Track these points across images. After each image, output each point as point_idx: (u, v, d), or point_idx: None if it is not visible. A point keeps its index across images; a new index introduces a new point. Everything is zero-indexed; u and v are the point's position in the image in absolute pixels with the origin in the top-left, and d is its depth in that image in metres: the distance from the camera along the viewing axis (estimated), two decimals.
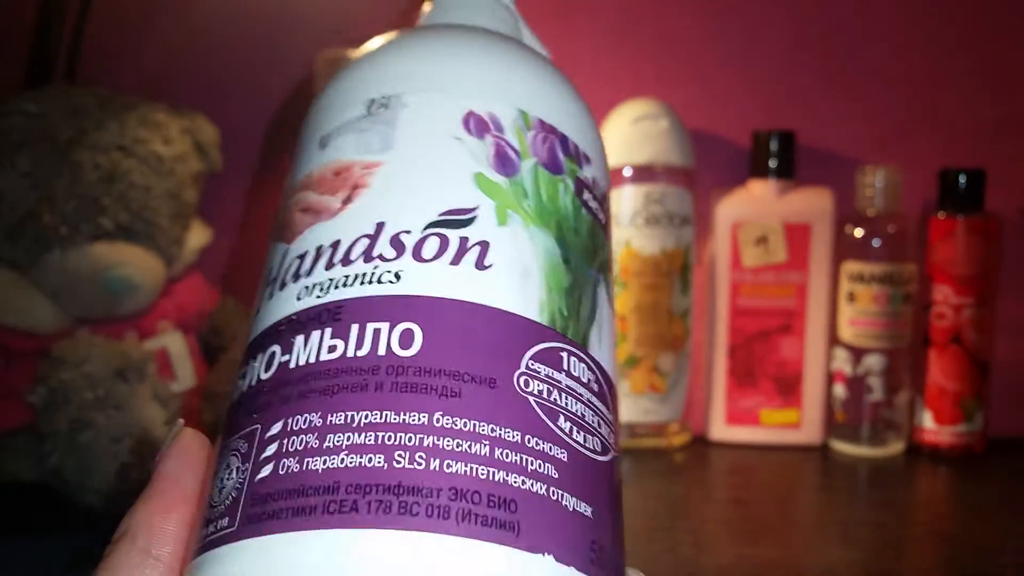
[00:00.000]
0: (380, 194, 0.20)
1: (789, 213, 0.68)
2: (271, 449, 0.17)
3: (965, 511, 0.59)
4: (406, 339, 0.18)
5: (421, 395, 0.17)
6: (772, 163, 0.68)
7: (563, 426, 0.18)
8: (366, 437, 0.17)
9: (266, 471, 0.17)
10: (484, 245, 0.20)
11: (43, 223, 0.57)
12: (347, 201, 0.21)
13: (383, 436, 0.17)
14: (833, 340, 0.69)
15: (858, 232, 0.67)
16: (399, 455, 0.17)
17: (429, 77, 0.23)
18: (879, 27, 0.73)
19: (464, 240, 0.20)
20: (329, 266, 0.20)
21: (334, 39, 0.72)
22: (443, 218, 0.20)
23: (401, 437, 0.17)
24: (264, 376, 0.19)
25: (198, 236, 0.65)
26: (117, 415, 0.53)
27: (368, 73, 0.23)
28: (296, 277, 0.20)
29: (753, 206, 0.69)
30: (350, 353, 0.18)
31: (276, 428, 0.18)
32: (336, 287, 0.19)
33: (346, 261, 0.20)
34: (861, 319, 0.68)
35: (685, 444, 0.70)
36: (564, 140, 0.23)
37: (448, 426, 0.17)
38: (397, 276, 0.19)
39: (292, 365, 0.18)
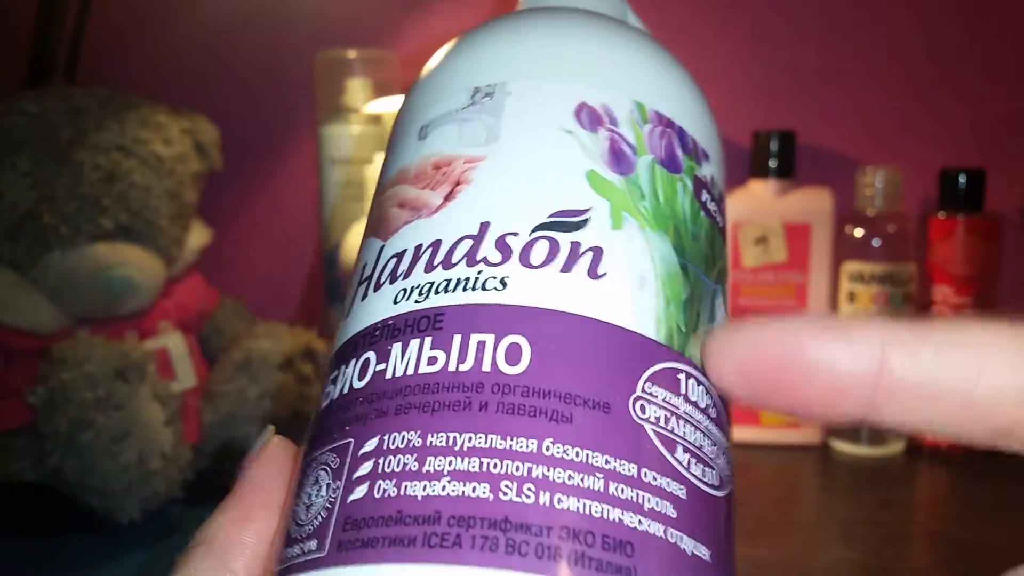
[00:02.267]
0: (484, 191, 0.19)
1: (789, 213, 0.68)
2: (366, 468, 0.16)
3: (965, 511, 0.59)
4: (513, 354, 0.17)
5: (529, 418, 0.16)
6: (772, 163, 0.68)
7: (681, 458, 0.17)
8: (470, 463, 0.15)
9: (360, 492, 0.16)
10: (597, 251, 0.18)
11: (43, 223, 0.57)
12: (448, 198, 0.19)
13: (488, 463, 0.15)
14: None
15: (858, 232, 0.67)
16: (506, 486, 0.15)
17: (537, 64, 0.21)
18: (879, 27, 0.73)
19: (576, 245, 0.18)
20: (429, 268, 0.18)
21: (334, 39, 0.72)
22: (553, 220, 0.18)
23: (508, 465, 0.15)
24: (358, 385, 0.17)
25: (198, 236, 0.65)
26: (117, 415, 0.53)
27: (471, 59, 0.22)
28: (392, 278, 0.19)
29: (753, 206, 0.69)
30: (452, 367, 0.17)
31: (371, 444, 0.16)
32: (436, 292, 0.18)
33: (447, 264, 0.18)
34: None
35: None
36: (682, 135, 0.21)
37: (559, 455, 0.16)
38: (503, 283, 0.17)
39: (388, 375, 0.17)
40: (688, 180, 0.20)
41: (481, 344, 0.17)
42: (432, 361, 0.17)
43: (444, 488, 0.15)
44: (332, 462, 0.17)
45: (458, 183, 0.19)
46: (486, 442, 0.16)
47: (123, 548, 0.53)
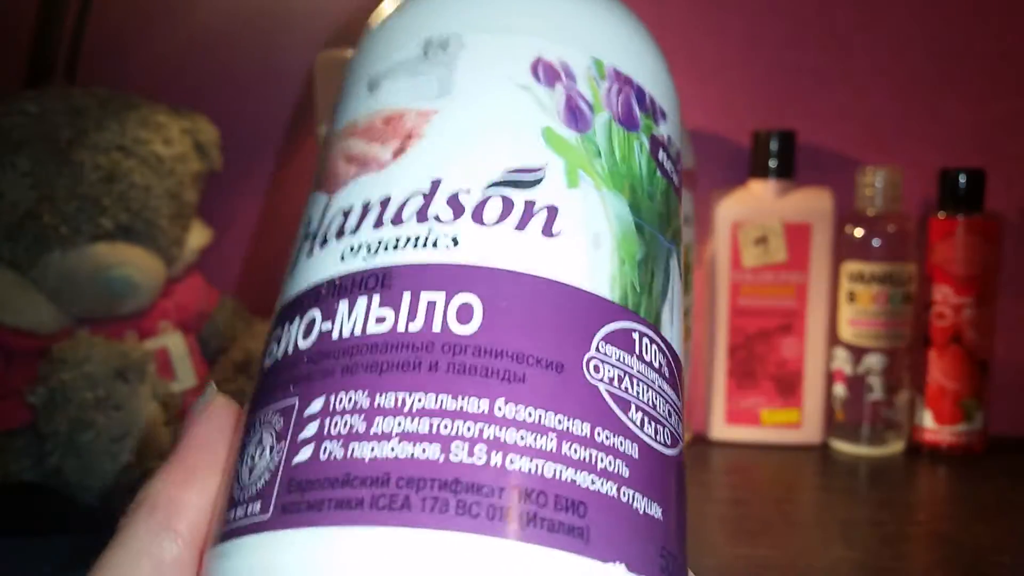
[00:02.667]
0: (436, 146, 0.18)
1: (789, 213, 0.68)
2: (311, 429, 0.16)
3: (965, 511, 0.59)
4: (464, 314, 0.16)
5: (481, 379, 0.16)
6: (772, 163, 0.68)
7: (634, 417, 0.17)
8: (420, 424, 0.15)
9: (305, 454, 0.15)
10: (552, 210, 0.18)
11: (43, 223, 0.57)
12: (399, 152, 0.18)
13: (439, 424, 0.15)
14: (833, 340, 0.69)
15: (858, 232, 0.67)
16: (457, 447, 0.15)
17: (493, 16, 0.20)
18: (879, 27, 0.73)
19: (530, 203, 0.18)
20: (378, 225, 0.18)
21: (334, 39, 0.72)
22: (507, 177, 0.18)
23: (459, 426, 0.15)
24: (303, 344, 0.17)
25: (198, 236, 0.65)
26: (117, 415, 0.53)
27: (423, 8, 0.21)
28: (340, 234, 0.18)
29: (753, 206, 0.69)
30: (401, 326, 0.16)
31: (317, 405, 0.16)
32: (385, 249, 0.17)
33: (397, 220, 0.17)
34: (861, 319, 0.68)
35: (685, 443, 0.70)
36: (640, 92, 0.21)
37: (511, 416, 0.15)
38: (455, 241, 0.17)
39: (335, 336, 0.17)
40: (645, 138, 0.20)
41: (431, 303, 0.16)
42: (380, 320, 0.16)
43: (393, 449, 0.15)
44: (276, 423, 0.16)
45: (409, 137, 0.19)
46: (436, 403, 0.15)
47: None
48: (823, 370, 0.69)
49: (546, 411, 0.16)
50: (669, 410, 0.18)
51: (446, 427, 0.15)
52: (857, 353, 0.68)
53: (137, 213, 0.59)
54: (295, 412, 0.16)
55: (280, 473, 0.16)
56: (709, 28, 0.73)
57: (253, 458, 0.16)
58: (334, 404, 0.16)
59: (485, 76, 0.19)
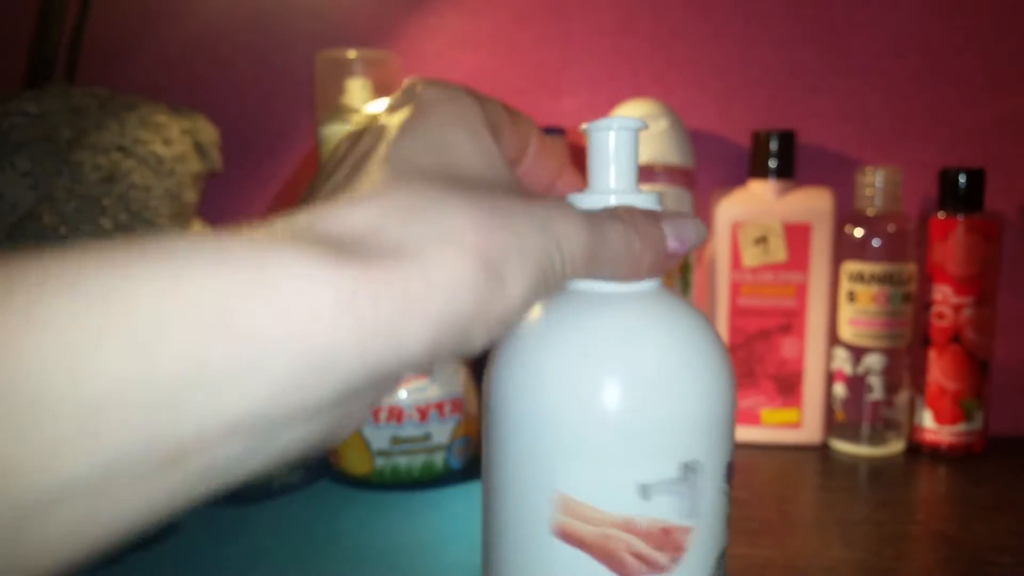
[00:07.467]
0: (696, 560, 0.26)
1: (789, 213, 0.68)
2: None
3: (965, 511, 0.59)
4: None
5: None
6: (772, 163, 0.68)
7: None
8: None
9: None
10: None
11: (43, 223, 0.57)
12: (674, 561, 0.26)
13: None
14: (833, 340, 0.69)
15: (858, 232, 0.67)
16: None
17: (718, 447, 0.27)
18: (879, 27, 0.73)
19: None
20: None
21: (334, 39, 0.72)
22: None
23: None
24: None
25: None
26: None
27: (683, 428, 0.26)
28: None
29: (753, 206, 0.69)
30: None
31: None
32: None
33: None
34: (861, 319, 0.68)
35: None
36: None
37: None
38: None
39: None
40: None
41: None
42: None
43: None
44: None
45: (678, 549, 0.26)
46: None
47: (123, 548, 0.53)
48: (823, 370, 0.69)
49: None
50: None
51: None
52: (857, 353, 0.68)
53: (137, 213, 0.59)
54: None
55: None
56: (709, 28, 0.74)
57: None
58: None
59: (713, 498, 0.27)
